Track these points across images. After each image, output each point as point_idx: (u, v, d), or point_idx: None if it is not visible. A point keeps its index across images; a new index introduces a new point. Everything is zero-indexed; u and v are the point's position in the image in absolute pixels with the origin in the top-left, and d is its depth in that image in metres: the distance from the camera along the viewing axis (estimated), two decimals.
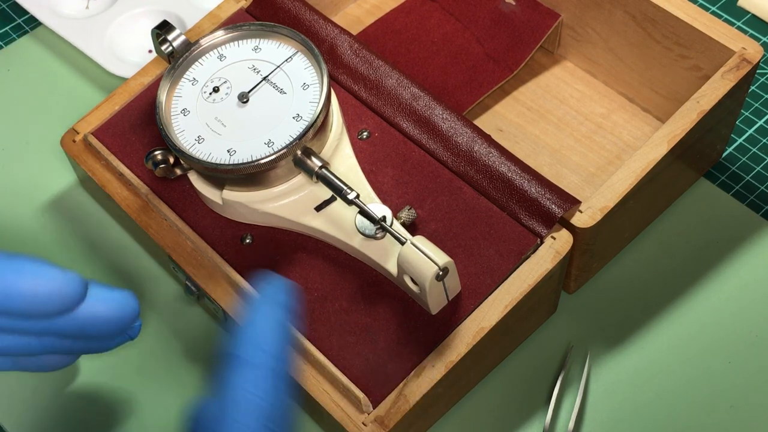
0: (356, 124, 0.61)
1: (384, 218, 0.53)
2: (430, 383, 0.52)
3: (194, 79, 0.58)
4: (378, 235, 0.54)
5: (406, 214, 0.56)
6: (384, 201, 0.57)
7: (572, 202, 0.56)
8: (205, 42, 0.59)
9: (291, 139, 0.54)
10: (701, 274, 0.62)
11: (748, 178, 0.66)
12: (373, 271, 0.55)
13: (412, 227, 0.56)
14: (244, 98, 0.57)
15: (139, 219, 0.60)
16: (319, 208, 0.56)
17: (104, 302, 0.51)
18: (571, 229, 0.56)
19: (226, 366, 0.44)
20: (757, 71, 0.72)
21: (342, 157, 0.58)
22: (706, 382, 0.58)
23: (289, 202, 0.57)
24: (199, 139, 0.56)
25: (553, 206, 0.55)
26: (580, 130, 0.66)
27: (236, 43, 0.59)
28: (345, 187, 0.53)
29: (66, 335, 0.51)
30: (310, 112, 0.55)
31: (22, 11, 0.80)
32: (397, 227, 0.54)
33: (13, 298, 0.48)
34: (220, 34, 0.59)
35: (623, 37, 0.64)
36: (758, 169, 0.67)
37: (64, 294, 0.49)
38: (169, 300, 0.63)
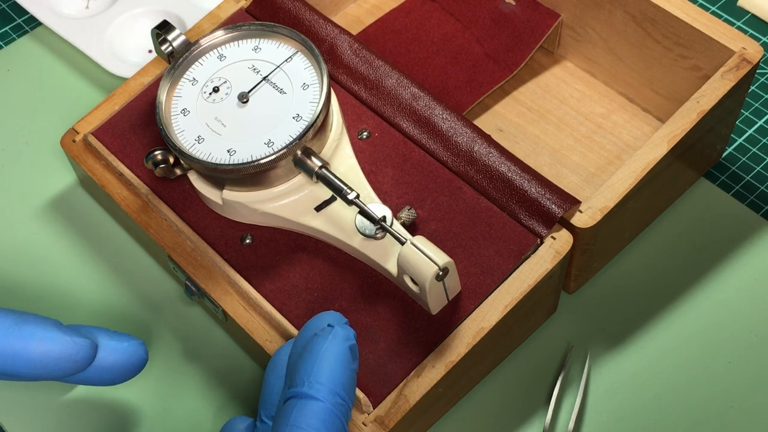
0: (356, 124, 0.61)
1: (384, 218, 0.53)
2: (430, 383, 0.52)
3: (194, 79, 0.58)
4: (378, 235, 0.54)
5: (406, 214, 0.56)
6: (384, 201, 0.57)
7: (572, 202, 0.56)
8: (205, 42, 0.59)
9: (291, 139, 0.54)
10: (701, 274, 0.62)
11: (748, 178, 0.66)
12: (373, 271, 0.55)
13: (412, 227, 0.56)
14: (244, 98, 0.57)
15: (139, 219, 0.60)
16: (319, 208, 0.56)
17: (114, 353, 0.52)
18: (571, 229, 0.56)
19: (293, 404, 0.45)
20: (757, 71, 0.72)
21: (342, 157, 0.58)
22: (706, 382, 0.58)
23: (289, 202, 0.57)
24: (199, 139, 0.56)
25: (553, 206, 0.55)
26: (580, 130, 0.66)
27: (236, 43, 0.59)
28: (345, 187, 0.53)
29: (73, 383, 0.52)
30: (310, 112, 0.55)
31: (22, 11, 0.80)
32: (397, 227, 0.54)
33: (21, 365, 0.49)
34: (220, 34, 0.59)
35: (623, 37, 0.64)
36: (758, 169, 0.67)
37: (73, 360, 0.50)
38: (169, 300, 0.63)
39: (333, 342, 0.46)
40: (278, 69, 0.58)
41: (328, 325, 0.47)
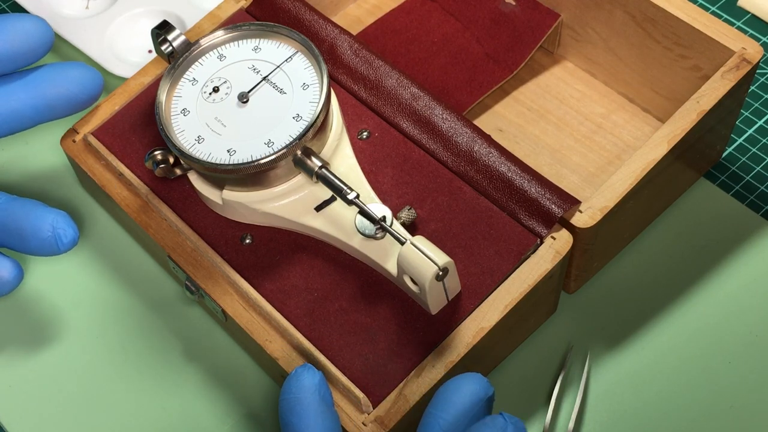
0: (356, 124, 0.61)
1: (384, 218, 0.53)
2: (430, 383, 0.52)
3: (194, 79, 0.58)
4: (378, 235, 0.54)
5: (406, 214, 0.56)
6: (384, 201, 0.57)
7: (572, 202, 0.56)
8: (205, 42, 0.59)
9: (291, 139, 0.54)
10: (701, 274, 0.62)
11: (748, 178, 0.66)
12: (373, 271, 0.55)
13: (412, 227, 0.56)
14: (244, 98, 0.57)
15: (139, 219, 0.60)
16: (319, 208, 0.56)
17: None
18: (571, 229, 0.56)
19: None
20: (757, 71, 0.72)
21: (342, 157, 0.58)
22: (706, 382, 0.58)
23: (289, 202, 0.57)
24: (199, 139, 0.56)
25: (553, 206, 0.55)
26: (580, 130, 0.66)
27: (236, 43, 0.59)
28: (345, 187, 0.53)
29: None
30: (310, 112, 0.55)
31: (22, 11, 0.80)
32: (397, 227, 0.54)
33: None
34: (220, 34, 0.59)
35: (623, 37, 0.64)
36: (758, 169, 0.67)
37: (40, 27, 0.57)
38: (169, 300, 0.63)
39: None
40: (278, 69, 0.58)
41: (502, 418, 0.44)
